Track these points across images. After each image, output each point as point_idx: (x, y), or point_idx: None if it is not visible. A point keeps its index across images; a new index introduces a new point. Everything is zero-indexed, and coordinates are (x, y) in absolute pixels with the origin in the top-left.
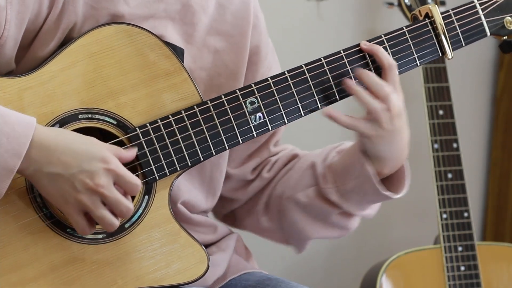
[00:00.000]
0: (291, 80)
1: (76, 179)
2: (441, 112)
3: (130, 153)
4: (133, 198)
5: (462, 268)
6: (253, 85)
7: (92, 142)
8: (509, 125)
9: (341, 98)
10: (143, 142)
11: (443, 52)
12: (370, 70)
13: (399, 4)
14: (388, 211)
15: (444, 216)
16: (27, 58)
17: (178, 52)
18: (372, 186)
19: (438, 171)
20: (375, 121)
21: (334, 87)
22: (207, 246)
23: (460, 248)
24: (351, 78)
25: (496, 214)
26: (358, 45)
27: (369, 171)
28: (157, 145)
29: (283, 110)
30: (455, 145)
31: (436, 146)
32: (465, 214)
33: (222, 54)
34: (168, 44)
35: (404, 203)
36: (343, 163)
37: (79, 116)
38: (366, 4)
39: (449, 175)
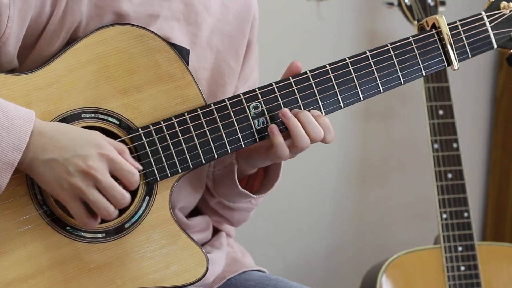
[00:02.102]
0: (295, 86)
1: (70, 163)
2: (441, 112)
3: (132, 158)
4: (134, 199)
5: (462, 268)
6: (257, 89)
7: (89, 132)
8: (509, 125)
9: (345, 106)
10: (145, 142)
11: (449, 63)
12: None
13: (399, 4)
14: (388, 211)
15: (444, 216)
16: (33, 57)
17: (183, 53)
18: (232, 181)
19: (438, 171)
20: (291, 154)
21: (338, 94)
22: (202, 245)
23: (460, 248)
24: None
25: (496, 214)
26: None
27: (234, 165)
28: (159, 146)
29: None
30: (455, 145)
31: (436, 146)
32: (465, 214)
33: (224, 54)
34: (173, 45)
35: (404, 203)
36: None
37: (82, 115)
38: (366, 4)
39: (449, 175)
